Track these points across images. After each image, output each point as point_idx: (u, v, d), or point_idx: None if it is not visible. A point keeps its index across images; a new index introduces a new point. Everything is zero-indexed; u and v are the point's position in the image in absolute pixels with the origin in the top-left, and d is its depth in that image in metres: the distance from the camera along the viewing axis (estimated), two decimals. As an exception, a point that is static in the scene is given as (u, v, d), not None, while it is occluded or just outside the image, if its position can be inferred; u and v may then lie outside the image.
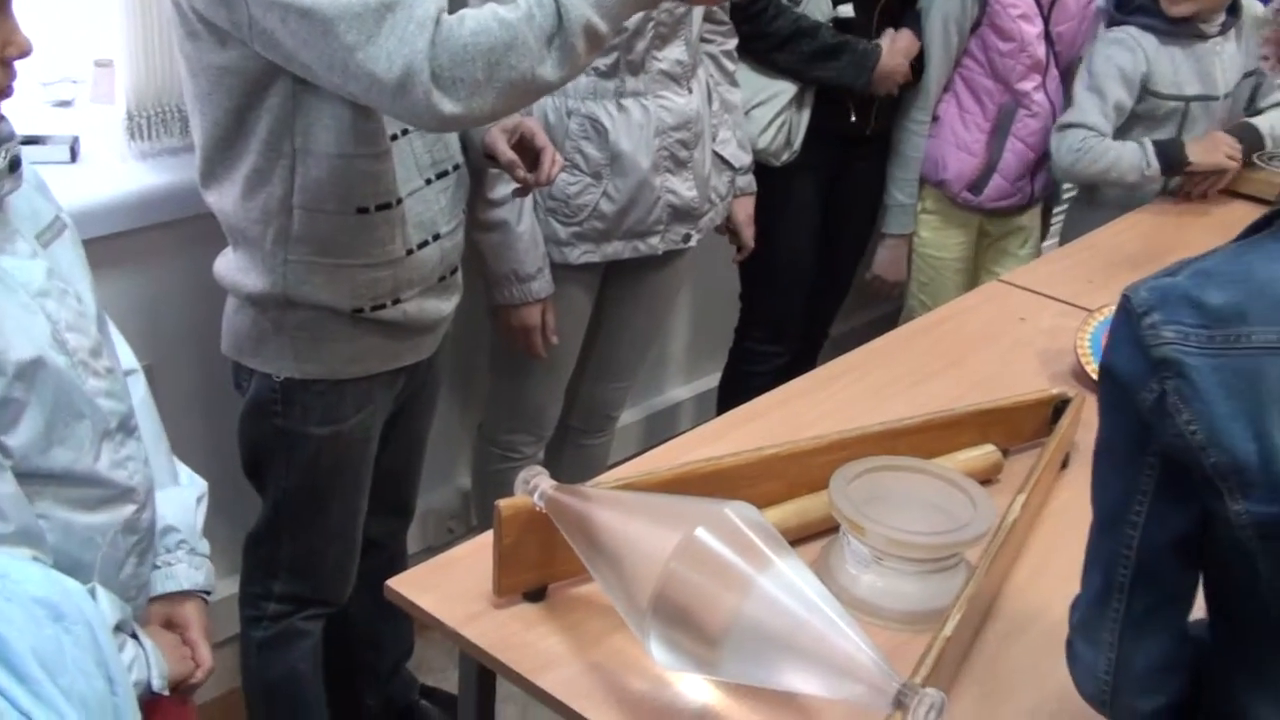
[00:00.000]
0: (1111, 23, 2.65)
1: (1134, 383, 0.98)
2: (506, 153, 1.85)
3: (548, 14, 1.49)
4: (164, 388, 1.55)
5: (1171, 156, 2.59)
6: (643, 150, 2.14)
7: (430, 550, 2.54)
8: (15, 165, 1.25)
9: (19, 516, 1.17)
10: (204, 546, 1.51)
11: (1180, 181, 2.68)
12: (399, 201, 1.71)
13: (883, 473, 1.46)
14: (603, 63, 2.08)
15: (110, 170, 2.02)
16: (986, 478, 1.61)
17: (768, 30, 2.53)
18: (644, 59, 2.11)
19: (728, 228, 2.51)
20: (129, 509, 1.31)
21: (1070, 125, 2.64)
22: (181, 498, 1.50)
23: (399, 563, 2.13)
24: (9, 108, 1.26)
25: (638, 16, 2.05)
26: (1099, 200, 2.77)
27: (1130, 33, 2.61)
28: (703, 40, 2.28)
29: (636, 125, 2.13)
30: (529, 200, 2.10)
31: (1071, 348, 1.94)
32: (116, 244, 1.95)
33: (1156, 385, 0.97)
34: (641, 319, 2.42)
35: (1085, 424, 1.74)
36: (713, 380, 3.11)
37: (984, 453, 1.64)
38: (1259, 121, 2.71)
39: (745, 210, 2.51)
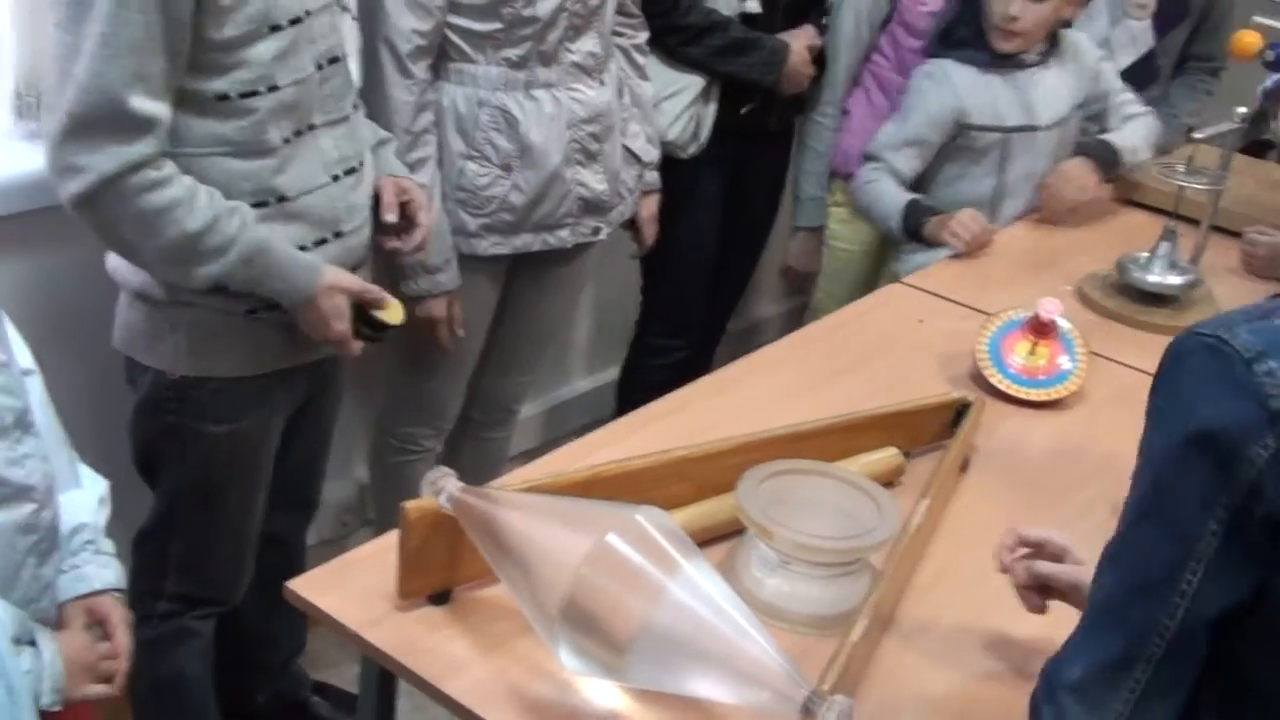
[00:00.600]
0: (932, 55, 2.55)
1: (1240, 436, 0.88)
2: (391, 196, 1.85)
3: (212, 244, 1.60)
4: (50, 379, 1.50)
5: (912, 223, 2.47)
6: (554, 142, 2.12)
7: (325, 544, 2.49)
8: None
9: None
10: (109, 545, 1.47)
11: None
12: (281, 199, 1.68)
13: (789, 476, 1.46)
14: (514, 53, 2.06)
15: (-4, 150, 1.95)
16: (889, 480, 1.63)
17: (680, 24, 2.53)
18: (556, 50, 2.09)
19: (630, 224, 2.50)
20: (27, 508, 1.27)
21: (867, 155, 2.56)
22: (84, 499, 1.46)
23: (297, 558, 2.09)
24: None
25: (551, 5, 2.04)
26: None
27: (942, 66, 2.51)
28: (614, 33, 2.27)
29: (548, 117, 2.11)
30: (437, 191, 2.07)
31: (969, 351, 1.96)
32: (3, 228, 1.88)
33: (1273, 441, 0.87)
34: (547, 312, 2.40)
35: (984, 428, 1.77)
36: (613, 373, 3.11)
37: (887, 455, 1.65)
38: (1114, 138, 2.66)
39: (649, 208, 2.51)
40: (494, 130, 2.08)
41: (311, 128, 1.69)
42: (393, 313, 1.81)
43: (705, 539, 1.46)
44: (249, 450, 1.83)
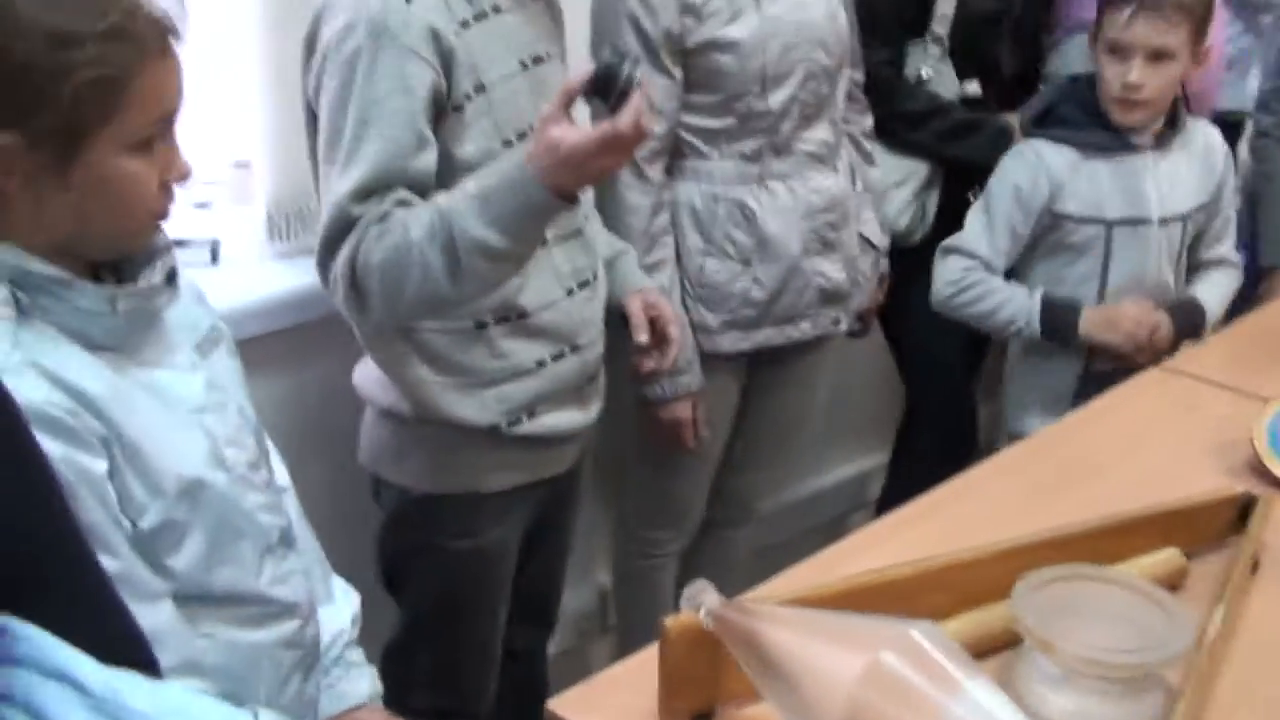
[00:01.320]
0: (1027, 135, 2.29)
1: None
2: (639, 314, 1.82)
3: (446, 233, 1.51)
4: (301, 493, 1.53)
5: (1059, 323, 2.16)
6: (792, 233, 2.10)
7: (565, 654, 2.47)
8: (173, 277, 1.24)
9: (181, 647, 1.14)
10: (358, 654, 1.48)
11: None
12: (522, 315, 1.68)
13: (1065, 583, 1.36)
14: (748, 146, 2.05)
15: (251, 272, 2.03)
16: (1170, 585, 1.50)
17: (904, 109, 2.48)
18: (789, 141, 2.08)
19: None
20: (292, 624, 1.28)
21: (952, 250, 2.26)
22: (338, 614, 1.47)
23: (540, 672, 2.08)
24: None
25: (783, 97, 2.02)
26: None
27: (1035, 147, 2.22)
28: (842, 120, 2.24)
29: (785, 208, 2.09)
30: (676, 291, 2.06)
31: (1245, 439, 1.83)
32: (259, 346, 1.94)
33: None
34: (789, 406, 2.35)
35: (1271, 524, 1.64)
36: (853, 467, 3.03)
37: (1166, 557, 1.53)
38: (1204, 296, 2.30)
39: (876, 296, 2.45)
40: (732, 225, 2.07)
41: (544, 243, 1.71)
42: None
43: (973, 653, 1.37)
44: (490, 566, 1.84)
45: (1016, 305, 2.20)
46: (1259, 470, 1.78)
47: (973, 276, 2.23)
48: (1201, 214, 2.28)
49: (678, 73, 2.01)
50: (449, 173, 1.60)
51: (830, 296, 2.20)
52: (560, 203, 1.52)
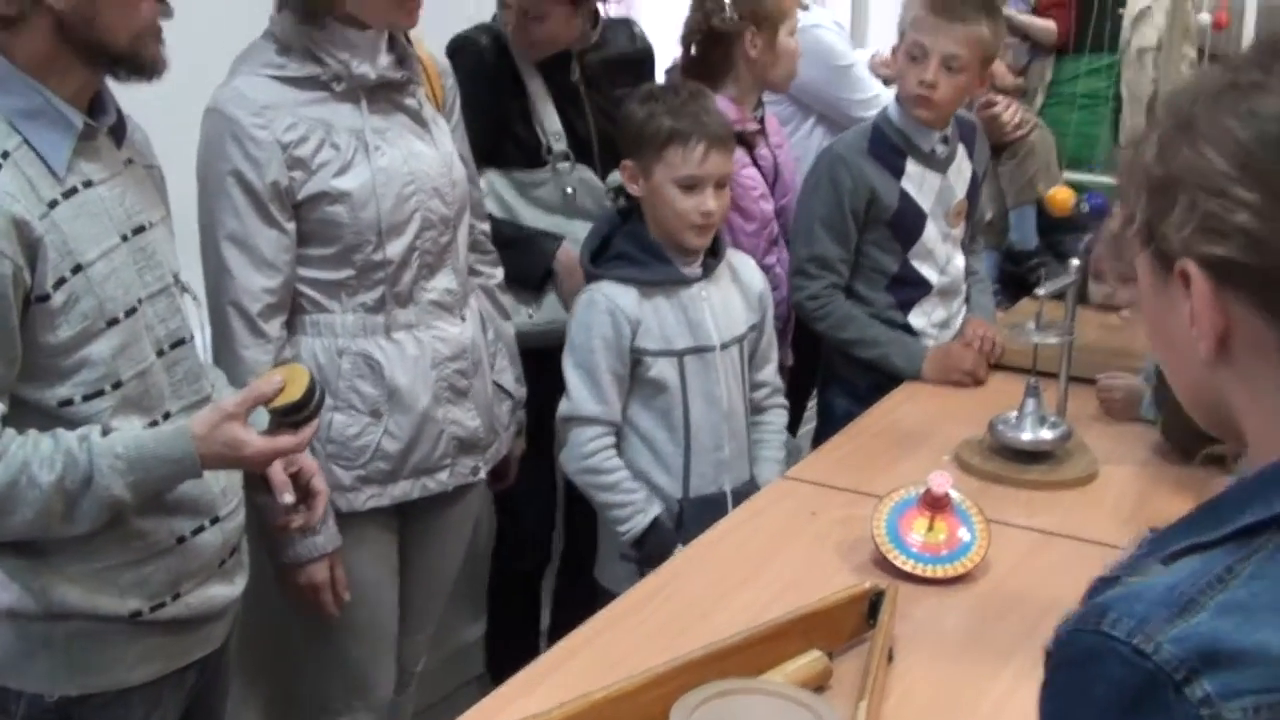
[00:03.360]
0: (589, 277, 2.28)
1: None
2: (281, 474, 1.75)
3: (77, 481, 1.49)
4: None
5: (652, 545, 2.19)
6: (421, 383, 2.07)
7: None
8: None
9: None
10: None
11: None
12: (158, 492, 1.60)
13: (720, 700, 1.41)
14: (369, 298, 2.02)
15: None
16: (818, 685, 1.57)
17: None
18: (412, 290, 2.06)
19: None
20: None
21: (572, 420, 2.22)
22: None
23: None
24: None
25: (401, 247, 2.02)
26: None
27: (604, 291, 2.22)
28: (472, 272, 2.25)
29: (411, 358, 2.06)
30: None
31: (868, 536, 1.94)
32: None
33: None
34: (437, 562, 2.29)
35: (900, 613, 1.73)
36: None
37: (811, 660, 1.60)
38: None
39: (519, 447, 2.46)
40: (357, 378, 2.03)
41: (168, 415, 1.63)
42: (292, 387, 1.59)
43: (643, 781, 1.38)
44: None
45: (630, 510, 2.21)
46: (882, 563, 1.89)
47: (604, 459, 2.22)
48: (753, 333, 2.38)
49: (290, 226, 1.97)
50: (34, 358, 1.50)
51: (466, 445, 2.17)
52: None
